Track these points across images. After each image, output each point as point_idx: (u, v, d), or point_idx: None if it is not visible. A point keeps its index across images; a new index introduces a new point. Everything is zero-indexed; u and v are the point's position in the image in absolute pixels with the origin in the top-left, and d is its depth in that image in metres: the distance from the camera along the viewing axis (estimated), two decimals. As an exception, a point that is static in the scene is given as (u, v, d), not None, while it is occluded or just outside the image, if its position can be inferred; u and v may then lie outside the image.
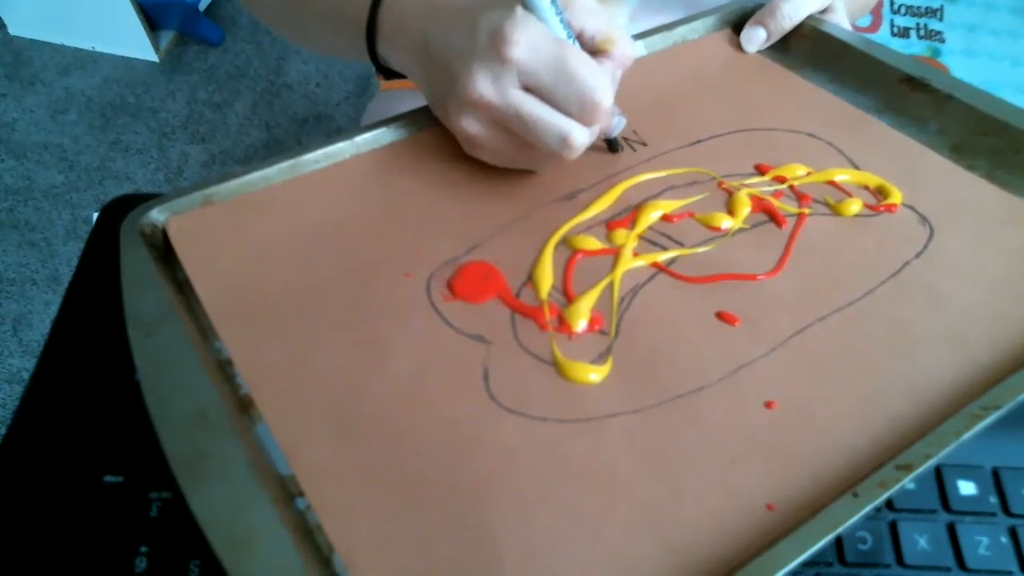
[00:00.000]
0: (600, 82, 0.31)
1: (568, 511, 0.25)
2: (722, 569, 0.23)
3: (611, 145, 0.38)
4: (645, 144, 0.39)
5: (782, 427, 0.27)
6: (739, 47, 0.45)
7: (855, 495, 0.24)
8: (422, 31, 0.34)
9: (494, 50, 0.31)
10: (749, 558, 0.23)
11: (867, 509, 0.24)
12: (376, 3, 0.37)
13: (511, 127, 0.32)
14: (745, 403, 0.28)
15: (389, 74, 0.40)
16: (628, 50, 0.34)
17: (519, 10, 0.31)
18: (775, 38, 0.45)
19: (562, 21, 0.32)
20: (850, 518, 0.23)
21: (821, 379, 0.28)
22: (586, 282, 0.32)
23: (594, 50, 0.34)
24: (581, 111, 0.31)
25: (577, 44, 0.33)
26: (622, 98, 0.39)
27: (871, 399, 0.28)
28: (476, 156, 0.35)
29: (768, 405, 0.28)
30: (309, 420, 0.27)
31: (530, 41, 0.30)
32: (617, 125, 0.37)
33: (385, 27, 0.37)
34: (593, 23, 0.33)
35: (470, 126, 0.33)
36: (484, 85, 0.31)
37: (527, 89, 0.32)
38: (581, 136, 0.32)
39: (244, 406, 0.28)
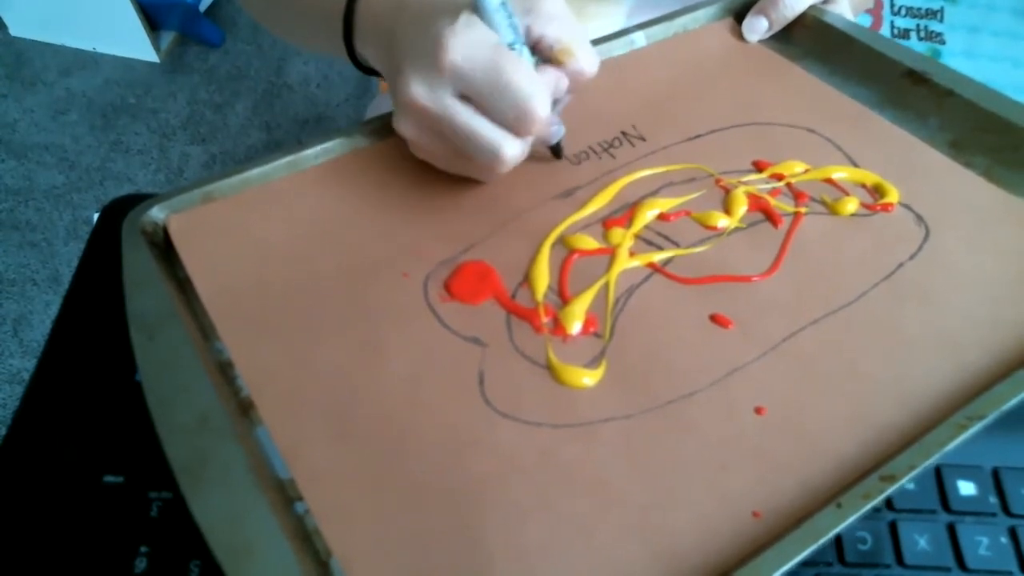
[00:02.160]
0: (536, 91, 0.30)
1: (560, 517, 0.25)
2: None
3: (554, 151, 0.37)
4: (644, 139, 0.39)
5: (771, 433, 0.27)
6: (741, 37, 0.45)
7: (839, 506, 0.24)
8: (389, 30, 0.34)
9: (432, 55, 0.30)
10: (733, 567, 0.23)
11: (850, 520, 0.24)
12: (352, 1, 0.36)
13: (445, 135, 0.32)
14: (736, 408, 0.28)
15: (368, 72, 0.40)
16: (585, 65, 0.33)
17: (464, 15, 0.30)
18: (777, 27, 0.44)
19: (512, 25, 0.31)
20: (833, 528, 0.23)
21: (812, 384, 0.28)
22: (582, 282, 0.32)
23: (551, 59, 0.33)
24: (515, 122, 0.31)
25: (526, 50, 0.32)
26: (622, 91, 0.39)
27: (861, 405, 0.28)
28: (421, 158, 0.35)
29: (758, 411, 0.28)
30: (308, 423, 0.27)
31: (467, 48, 0.30)
32: (556, 133, 0.36)
33: (360, 24, 0.37)
34: (554, 30, 0.32)
35: (407, 129, 0.33)
36: (419, 90, 0.31)
37: (464, 97, 0.31)
38: (512, 149, 0.31)
39: (244, 408, 0.28)
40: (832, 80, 0.42)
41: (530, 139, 0.33)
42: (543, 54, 0.33)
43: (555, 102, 0.34)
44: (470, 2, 0.31)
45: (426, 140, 0.33)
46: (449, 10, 0.31)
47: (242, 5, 0.49)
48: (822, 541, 0.23)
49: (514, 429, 0.27)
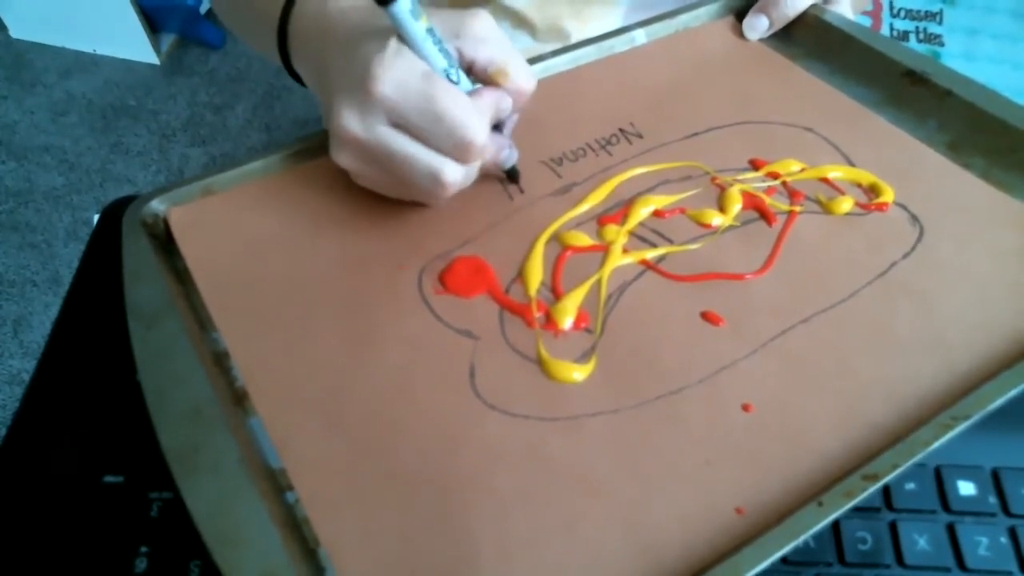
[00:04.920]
0: (470, 119, 0.30)
1: (545, 510, 0.25)
2: (688, 572, 0.23)
3: (510, 176, 0.36)
4: (641, 136, 0.39)
5: (757, 430, 0.27)
6: (741, 35, 0.45)
7: (820, 504, 0.24)
8: (319, 54, 0.34)
9: (363, 85, 0.29)
10: (713, 563, 0.23)
11: (832, 518, 0.24)
12: (284, 20, 0.36)
13: (382, 164, 0.31)
14: (723, 405, 0.28)
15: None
16: (522, 83, 0.32)
17: (392, 43, 0.29)
18: (778, 26, 0.44)
19: (442, 51, 0.30)
20: (814, 526, 0.24)
21: (800, 382, 0.28)
22: (575, 279, 0.32)
23: (487, 81, 0.32)
24: (453, 150, 0.30)
25: (462, 75, 0.31)
26: (621, 88, 0.39)
27: (848, 404, 0.28)
28: (364, 186, 0.35)
29: (746, 408, 0.28)
30: (301, 414, 0.28)
31: (397, 78, 0.29)
32: (508, 157, 0.35)
33: (292, 46, 0.36)
34: (485, 53, 0.32)
35: (344, 159, 0.32)
36: (352, 121, 0.30)
37: (397, 126, 0.30)
38: (454, 173, 0.31)
39: (239, 398, 0.28)
40: (832, 80, 0.42)
41: (475, 165, 0.32)
42: (479, 77, 0.32)
43: (499, 124, 0.34)
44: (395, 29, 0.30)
45: (365, 170, 0.33)
46: (376, 36, 0.30)
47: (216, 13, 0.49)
48: (803, 537, 0.23)
49: (502, 421, 0.27)
